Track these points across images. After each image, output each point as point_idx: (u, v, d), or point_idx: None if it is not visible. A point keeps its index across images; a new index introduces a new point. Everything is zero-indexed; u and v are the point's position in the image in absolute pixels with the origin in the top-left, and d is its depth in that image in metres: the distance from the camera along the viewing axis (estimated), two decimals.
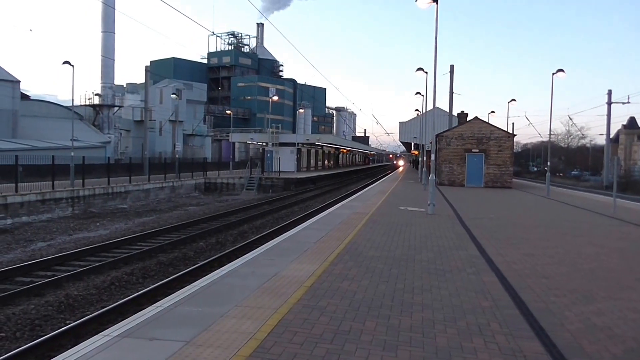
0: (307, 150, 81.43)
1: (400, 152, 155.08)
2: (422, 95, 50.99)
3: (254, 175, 58.57)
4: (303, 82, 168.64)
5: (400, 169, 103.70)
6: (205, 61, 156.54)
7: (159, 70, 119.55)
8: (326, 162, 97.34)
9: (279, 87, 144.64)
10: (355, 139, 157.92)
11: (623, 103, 76.81)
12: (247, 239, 25.99)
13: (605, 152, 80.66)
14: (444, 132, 50.17)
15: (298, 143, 73.15)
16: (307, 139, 77.09)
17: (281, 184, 58.19)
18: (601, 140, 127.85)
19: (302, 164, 77.15)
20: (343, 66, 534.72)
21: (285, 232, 18.62)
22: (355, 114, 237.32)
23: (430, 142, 40.96)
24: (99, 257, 20.91)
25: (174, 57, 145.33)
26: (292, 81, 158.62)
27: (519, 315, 8.58)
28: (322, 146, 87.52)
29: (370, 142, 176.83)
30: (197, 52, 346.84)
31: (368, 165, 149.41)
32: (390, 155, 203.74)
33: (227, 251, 21.62)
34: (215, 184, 57.76)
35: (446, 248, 14.94)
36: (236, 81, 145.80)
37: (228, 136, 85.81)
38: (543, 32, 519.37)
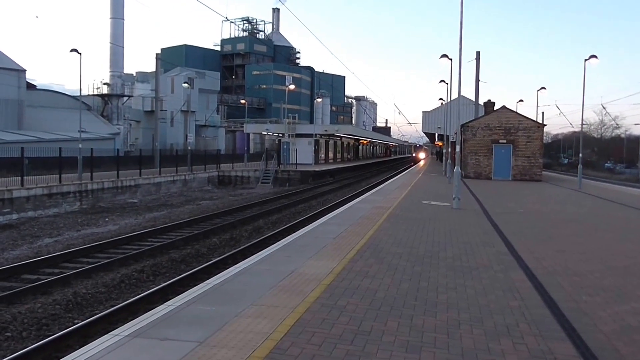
0: (325, 141, 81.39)
1: (422, 142, 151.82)
2: (447, 84, 50.76)
3: (270, 167, 58.69)
4: (321, 70, 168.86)
5: (422, 162, 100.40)
6: (218, 48, 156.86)
7: (170, 58, 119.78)
8: (345, 154, 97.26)
9: (295, 75, 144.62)
10: (376, 129, 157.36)
11: None
12: (262, 234, 26.04)
13: None
14: (470, 122, 49.96)
15: (316, 134, 73.10)
16: (325, 130, 77.11)
17: (298, 177, 58.32)
18: (637, 131, 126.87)
19: (320, 156, 77.13)
20: (363, 53, 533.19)
21: (303, 227, 18.61)
22: (375, 104, 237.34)
23: (455, 133, 40.81)
24: (108, 254, 21.00)
25: (185, 45, 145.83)
26: (310, 69, 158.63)
27: (550, 316, 8.53)
28: (340, 137, 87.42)
29: (391, 133, 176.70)
30: (210, 39, 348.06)
31: (389, 157, 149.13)
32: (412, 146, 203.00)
33: (242, 247, 21.67)
34: (229, 177, 57.94)
35: (472, 244, 14.89)
36: (251, 69, 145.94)
37: (242, 127, 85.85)
38: (575, 17, 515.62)
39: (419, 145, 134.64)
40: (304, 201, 41.32)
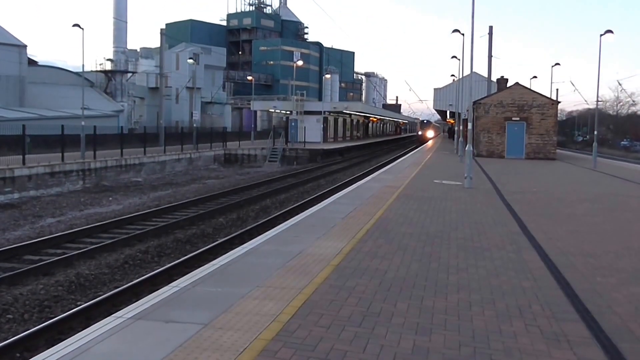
0: (334, 119, 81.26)
1: (434, 120, 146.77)
2: (459, 60, 50.57)
3: (277, 146, 58.78)
4: (330, 46, 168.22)
5: (430, 142, 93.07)
6: (224, 23, 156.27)
7: (175, 33, 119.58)
8: (354, 132, 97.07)
9: (303, 51, 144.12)
10: (386, 106, 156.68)
11: None
12: (270, 214, 26.12)
13: None
14: (482, 99, 49.85)
15: (324, 111, 72.96)
16: (334, 107, 76.93)
17: (306, 156, 58.41)
18: None
19: (328, 134, 77.01)
20: (373, 29, 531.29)
21: (311, 207, 18.63)
22: (386, 80, 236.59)
23: (467, 110, 40.59)
24: (112, 234, 21.08)
25: (191, 20, 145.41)
26: (318, 44, 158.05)
27: (563, 297, 8.54)
28: (350, 115, 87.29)
29: (402, 110, 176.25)
30: (215, 14, 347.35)
31: (400, 135, 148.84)
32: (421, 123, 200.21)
33: (249, 227, 21.76)
34: (235, 156, 57.97)
35: (484, 224, 14.89)
36: (258, 45, 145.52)
37: (249, 104, 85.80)
38: None
39: (426, 121, 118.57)
40: (312, 180, 41.35)
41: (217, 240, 19.67)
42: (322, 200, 20.36)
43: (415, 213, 16.45)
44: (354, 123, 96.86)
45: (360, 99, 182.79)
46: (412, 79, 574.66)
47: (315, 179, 41.98)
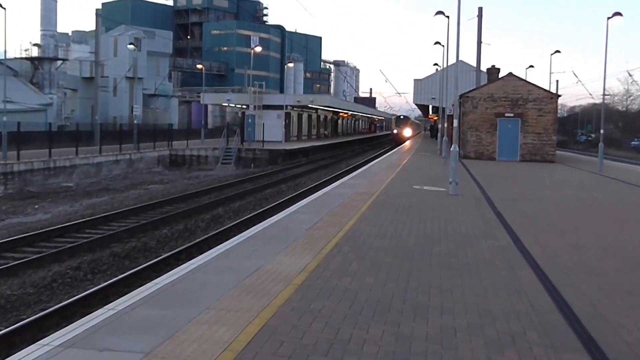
0: (298, 114, 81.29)
1: (409, 115, 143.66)
2: (443, 46, 50.89)
3: (232, 146, 58.67)
4: (293, 30, 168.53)
5: (409, 142, 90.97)
6: (170, 3, 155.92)
7: (113, 14, 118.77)
8: (322, 129, 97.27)
9: (262, 35, 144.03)
10: (359, 100, 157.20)
11: None
12: (222, 225, 26.08)
13: None
14: (470, 91, 50.06)
15: (287, 106, 72.92)
16: (298, 101, 76.94)
17: (265, 157, 58.44)
18: None
19: (291, 132, 77.06)
20: (343, 10, 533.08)
21: (271, 216, 18.61)
22: (358, 70, 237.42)
23: (453, 105, 40.71)
24: (38, 248, 20.90)
25: None
26: (280, 28, 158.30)
27: (563, 322, 8.51)
28: (316, 110, 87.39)
29: (377, 105, 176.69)
30: None
31: (374, 134, 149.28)
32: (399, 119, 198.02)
33: (198, 240, 21.73)
34: (183, 157, 57.85)
35: (471, 237, 14.93)
36: (209, 28, 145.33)
37: (199, 97, 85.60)
38: None
39: (403, 117, 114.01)
40: (272, 185, 41.41)
41: (161, 255, 19.59)
42: (284, 209, 20.33)
43: (392, 224, 16.45)
44: (321, 119, 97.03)
45: (328, 92, 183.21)
46: (389, 68, 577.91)
47: (275, 184, 42.02)
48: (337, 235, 14.53)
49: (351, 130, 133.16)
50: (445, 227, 16.32)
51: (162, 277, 10.71)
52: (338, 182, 29.28)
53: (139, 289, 10.00)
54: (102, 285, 15.59)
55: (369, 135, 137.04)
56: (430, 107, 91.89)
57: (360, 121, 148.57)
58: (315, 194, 24.41)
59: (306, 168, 54.86)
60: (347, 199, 21.70)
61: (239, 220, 26.04)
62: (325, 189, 26.15)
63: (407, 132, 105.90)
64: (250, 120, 70.23)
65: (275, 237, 14.18)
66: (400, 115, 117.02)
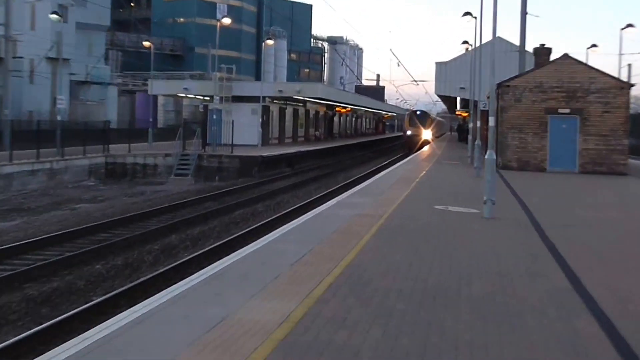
0: (280, 109, 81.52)
1: (429, 111, 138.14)
2: (474, 18, 50.96)
3: (190, 151, 58.82)
4: None
5: (428, 147, 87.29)
6: None
7: None
8: (312, 129, 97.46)
9: (233, 3, 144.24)
10: (362, 90, 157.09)
11: None
12: (176, 258, 26.12)
13: None
14: (512, 79, 49.93)
15: (265, 97, 73.09)
16: (280, 91, 77.09)
17: (235, 167, 58.65)
18: None
19: (271, 133, 77.29)
20: None
21: (242, 247, 18.54)
22: (361, 50, 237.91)
23: (488, 97, 40.54)
24: None
25: None
26: None
27: None
28: (305, 103, 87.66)
29: (386, 97, 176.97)
30: None
31: (382, 136, 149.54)
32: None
33: (143, 280, 21.66)
34: (123, 166, 57.89)
35: (513, 275, 14.87)
36: None
37: (146, 85, 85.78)
38: None
39: (420, 112, 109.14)
40: (244, 205, 41.62)
41: (93, 300, 19.51)
42: (260, 237, 20.26)
43: (405, 258, 16.38)
44: (312, 116, 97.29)
45: (320, 79, 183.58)
46: (402, 48, 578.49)
47: (249, 204, 42.23)
48: (332, 273, 14.42)
49: (351, 130, 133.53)
50: (478, 261, 16.25)
51: (92, 330, 10.58)
52: (334, 200, 29.28)
53: (63, 345, 9.89)
54: (10, 342, 15.47)
55: (375, 137, 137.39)
56: (458, 99, 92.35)
57: (364, 118, 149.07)
58: (302, 216, 24.39)
59: (291, 182, 54.99)
60: (346, 224, 21.67)
61: (200, 252, 26.05)
62: (316, 209, 26.14)
63: (426, 133, 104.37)
64: (215, 117, 70.16)
65: (249, 275, 14.08)
66: (416, 111, 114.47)
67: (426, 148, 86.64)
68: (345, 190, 37.01)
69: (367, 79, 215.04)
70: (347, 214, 23.88)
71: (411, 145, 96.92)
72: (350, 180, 53.75)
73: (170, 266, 23.57)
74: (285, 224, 23.34)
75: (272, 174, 59.61)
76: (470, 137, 59.88)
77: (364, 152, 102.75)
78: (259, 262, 15.44)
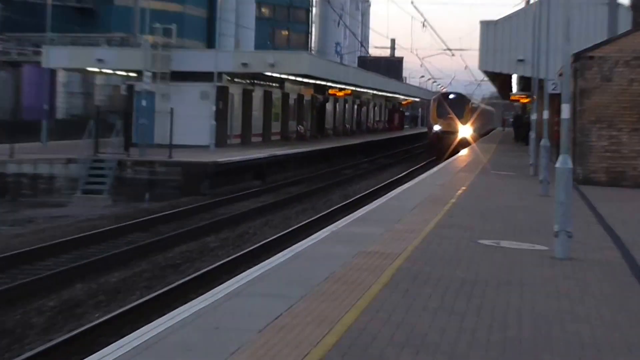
0: (245, 92, 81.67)
1: (466, 95, 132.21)
2: None
3: (107, 155, 58.66)
4: None
5: (466, 151, 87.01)
6: None
7: None
8: (293, 122, 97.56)
9: None
10: (369, 64, 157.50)
11: None
12: (80, 320, 26.08)
13: None
14: (596, 47, 49.95)
15: (221, 75, 73.08)
16: (245, 64, 76.91)
17: (176, 178, 58.94)
18: None
19: (230, 128, 77.50)
20: None
21: (181, 305, 18.40)
22: (368, 2, 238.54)
23: (560, 74, 40.21)
24: None
25: None
26: None
27: None
28: (282, 83, 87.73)
29: (405, 75, 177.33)
30: None
31: (399, 132, 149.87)
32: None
33: (27, 356, 21.48)
34: (2, 178, 57.60)
35: (605, 347, 14.76)
36: None
37: (38, 55, 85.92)
38: None
39: (454, 97, 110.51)
40: (187, 238, 41.75)
41: None
42: (210, 290, 20.11)
43: (434, 321, 16.28)
44: (292, 103, 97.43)
45: (306, 46, 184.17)
46: (430, 2, 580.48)
47: (194, 236, 42.44)
48: (323, 343, 14.29)
49: (352, 124, 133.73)
50: (549, 325, 16.16)
51: None
52: (326, 230, 29.17)
53: None
54: None
55: (389, 135, 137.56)
56: (515, 78, 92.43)
57: (371, 106, 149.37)
58: (278, 255, 24.21)
59: (261, 202, 55.22)
60: (343, 267, 21.53)
61: (118, 312, 25.89)
62: (299, 245, 25.96)
63: (464, 129, 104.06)
64: (145, 104, 70.07)
65: (195, 348, 13.92)
66: (448, 94, 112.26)
67: (465, 152, 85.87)
68: (344, 215, 37.00)
69: (377, 47, 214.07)
70: (345, 252, 23.74)
71: (441, 148, 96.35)
72: (351, 199, 53.79)
73: (72, 334, 23.42)
74: (251, 268, 23.23)
75: (232, 189, 59.69)
76: (532, 134, 59.79)
77: (372, 158, 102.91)
78: (210, 328, 15.29)
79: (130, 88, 72.90)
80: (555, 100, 52.81)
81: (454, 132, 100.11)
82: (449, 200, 38.28)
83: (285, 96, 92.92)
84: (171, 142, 63.12)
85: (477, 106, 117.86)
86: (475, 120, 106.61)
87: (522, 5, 74.21)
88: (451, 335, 15.26)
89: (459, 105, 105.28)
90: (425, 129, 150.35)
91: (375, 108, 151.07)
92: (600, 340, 15.08)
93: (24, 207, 52.90)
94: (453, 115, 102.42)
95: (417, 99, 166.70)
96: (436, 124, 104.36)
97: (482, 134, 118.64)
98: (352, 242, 25.62)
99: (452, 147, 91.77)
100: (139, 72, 70.59)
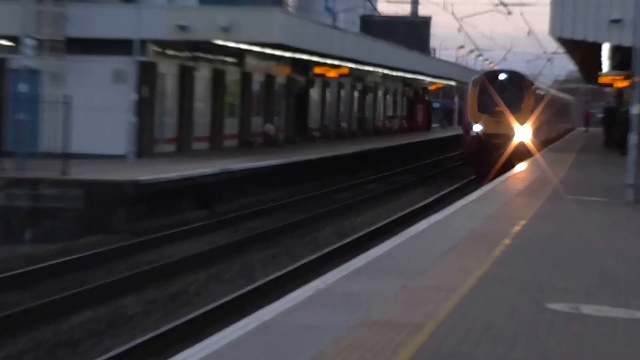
0: (184, 71, 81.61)
1: (527, 76, 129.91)
2: None
3: None
4: None
5: (525, 164, 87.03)
6: None
7: None
8: (256, 117, 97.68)
9: None
10: (377, 27, 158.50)
11: None
12: None
13: None
14: None
15: (145, 43, 72.87)
16: (182, 27, 76.70)
17: (74, 207, 58.15)
18: None
19: (159, 129, 77.23)
20: None
21: None
22: None
23: None
24: None
25: None
26: None
27: None
28: (241, 57, 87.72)
29: (434, 45, 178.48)
30: None
31: (423, 135, 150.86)
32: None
33: None
34: None
35: None
36: None
37: None
38: None
39: (506, 76, 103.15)
40: (90, 302, 41.08)
41: None
42: None
43: None
44: (256, 88, 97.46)
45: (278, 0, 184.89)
46: None
47: (103, 298, 41.91)
48: None
49: (349, 120, 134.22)
50: None
51: None
52: (308, 287, 28.53)
53: None
54: None
55: (407, 139, 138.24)
56: (606, 49, 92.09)
57: (380, 93, 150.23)
58: (230, 328, 23.55)
59: (206, 243, 54.79)
60: (333, 347, 20.83)
61: None
62: (264, 310, 25.30)
63: (523, 130, 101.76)
64: (25, 90, 69.82)
65: None
66: (496, 73, 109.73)
67: (524, 166, 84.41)
68: (337, 265, 36.44)
69: (391, 1, 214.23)
70: (337, 323, 23.08)
71: (484, 160, 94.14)
72: (348, 240, 53.43)
73: None
74: (190, 348, 22.57)
75: (162, 224, 59.32)
76: (634, 137, 59.07)
77: (381, 174, 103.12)
78: None
79: (0, 64, 72.60)
80: None
81: (505, 136, 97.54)
82: (500, 240, 37.95)
83: (246, 78, 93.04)
84: (66, 150, 62.75)
85: (544, 93, 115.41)
86: (542, 116, 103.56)
87: None
88: None
89: (515, 91, 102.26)
90: (460, 131, 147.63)
91: (387, 96, 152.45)
92: None
93: None
94: (504, 109, 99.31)
95: (452, 83, 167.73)
96: (477, 122, 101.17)
97: (552, 137, 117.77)
98: (347, 307, 25.04)
99: (503, 159, 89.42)
100: (15, 39, 70.38)
